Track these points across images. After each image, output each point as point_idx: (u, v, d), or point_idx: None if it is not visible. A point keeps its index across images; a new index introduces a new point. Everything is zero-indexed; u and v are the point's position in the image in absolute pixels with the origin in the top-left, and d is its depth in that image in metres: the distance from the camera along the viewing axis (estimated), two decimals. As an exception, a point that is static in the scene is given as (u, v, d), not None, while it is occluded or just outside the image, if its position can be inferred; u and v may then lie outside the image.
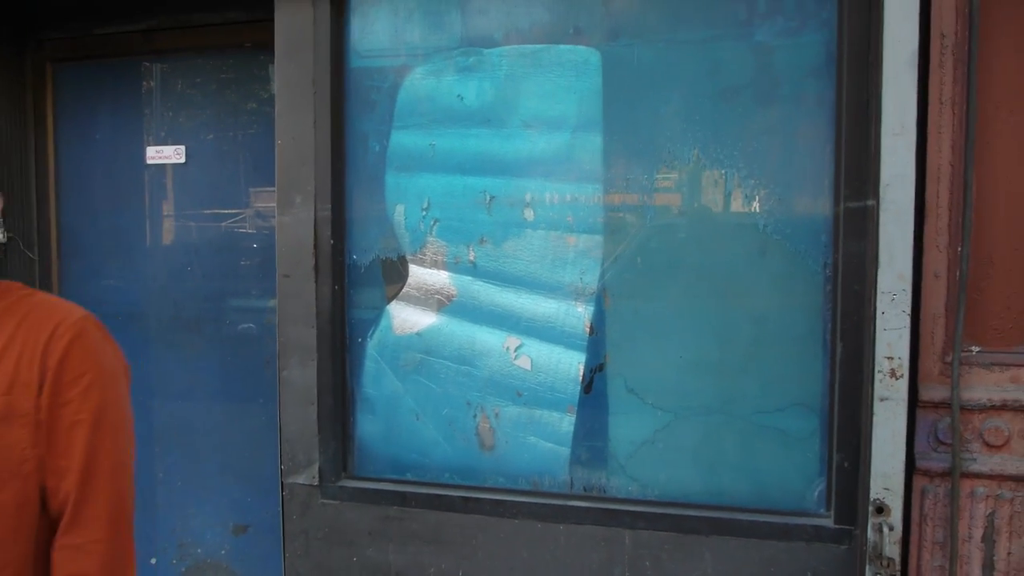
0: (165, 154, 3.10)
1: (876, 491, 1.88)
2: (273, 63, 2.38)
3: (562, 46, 2.25)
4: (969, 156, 1.86)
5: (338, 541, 2.40)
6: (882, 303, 1.85)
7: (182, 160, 3.10)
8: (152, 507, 3.26)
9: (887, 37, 1.82)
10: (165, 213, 3.18)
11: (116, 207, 3.21)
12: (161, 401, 3.21)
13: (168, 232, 3.20)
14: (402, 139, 2.38)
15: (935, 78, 1.89)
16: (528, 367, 2.33)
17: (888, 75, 1.82)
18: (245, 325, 3.11)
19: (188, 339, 3.16)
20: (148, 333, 3.20)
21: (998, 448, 1.90)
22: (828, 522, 2.06)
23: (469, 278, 2.36)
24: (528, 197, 2.29)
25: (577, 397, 2.31)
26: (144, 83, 3.15)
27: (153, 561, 3.28)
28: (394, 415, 2.45)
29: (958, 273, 1.89)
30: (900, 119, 1.82)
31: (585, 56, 2.24)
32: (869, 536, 1.88)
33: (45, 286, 3.26)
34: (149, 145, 3.13)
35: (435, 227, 2.38)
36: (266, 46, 2.46)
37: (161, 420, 3.21)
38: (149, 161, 3.13)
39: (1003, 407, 1.89)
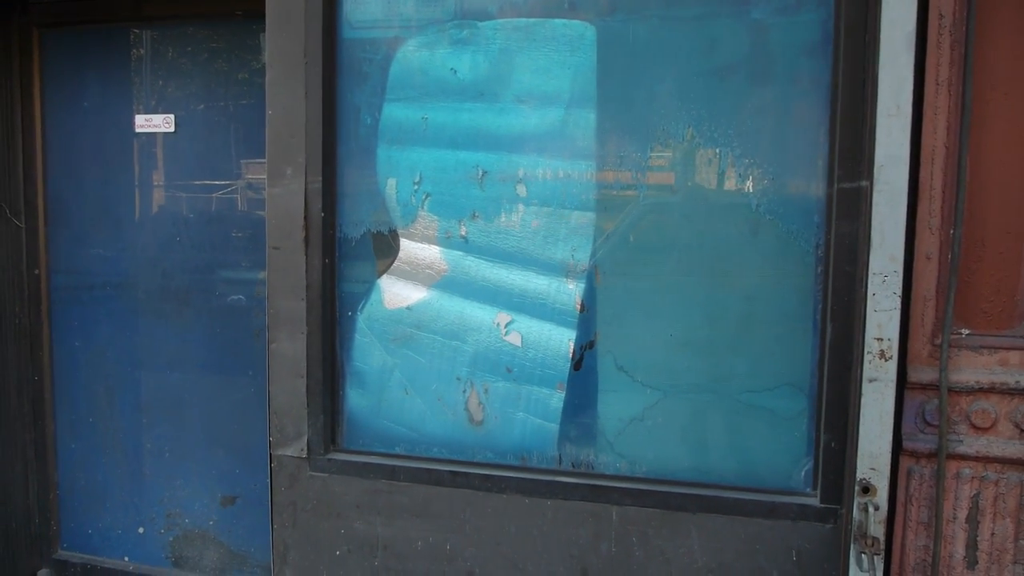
0: (154, 123, 3.07)
1: (862, 471, 1.89)
2: (265, 32, 2.35)
3: (557, 20, 2.22)
4: (964, 138, 1.86)
5: (326, 513, 2.41)
6: (873, 284, 1.85)
7: (171, 129, 3.06)
8: (140, 477, 3.26)
9: (885, 17, 1.80)
10: (154, 183, 3.16)
11: (104, 176, 3.18)
12: (149, 372, 3.20)
13: (157, 202, 3.17)
14: (394, 112, 2.36)
15: (932, 59, 1.87)
16: (518, 343, 2.33)
17: (885, 55, 1.80)
18: (235, 297, 3.09)
19: (177, 310, 3.14)
20: (136, 304, 3.19)
21: (984, 430, 1.92)
22: (814, 501, 2.08)
23: (460, 253, 2.35)
24: (521, 173, 2.28)
25: (567, 374, 2.31)
26: (133, 50, 3.11)
27: (141, 531, 3.29)
28: (383, 389, 2.45)
29: (950, 255, 1.89)
30: (896, 100, 1.80)
31: (580, 31, 2.21)
32: (855, 515, 1.89)
33: (32, 254, 3.24)
34: (138, 113, 3.10)
35: (427, 201, 2.36)
36: (258, 15, 2.42)
37: (149, 391, 3.21)
38: (138, 130, 3.10)
39: (991, 390, 1.90)
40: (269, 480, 2.45)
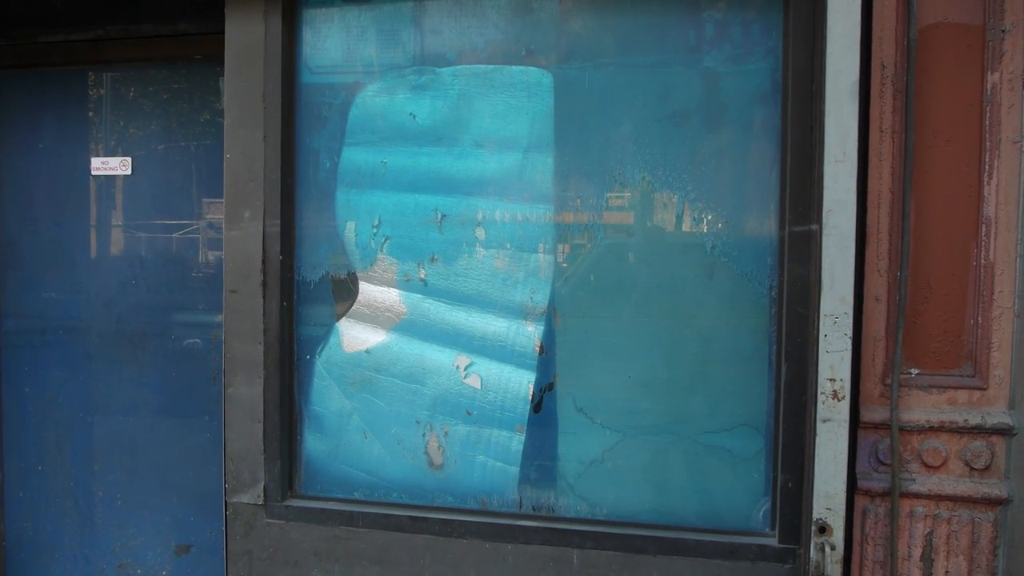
0: (110, 165, 3.04)
1: (819, 511, 1.91)
2: (224, 76, 2.36)
3: (514, 67, 2.26)
4: (907, 183, 1.91)
5: (283, 562, 2.36)
6: (825, 326, 1.89)
7: (128, 172, 3.04)
8: (91, 526, 3.17)
9: (829, 67, 1.86)
10: (111, 224, 3.11)
11: (59, 218, 3.13)
12: (102, 417, 3.13)
13: (114, 244, 3.13)
14: (353, 156, 2.37)
15: (875, 107, 1.94)
16: (478, 386, 2.32)
17: (830, 104, 1.86)
18: (191, 340, 3.05)
19: (132, 354, 3.09)
20: (89, 348, 3.12)
21: (936, 468, 1.95)
22: (773, 541, 2.09)
23: (419, 296, 2.35)
24: (479, 216, 2.30)
25: (527, 416, 2.30)
26: (92, 91, 3.09)
27: (91, 583, 3.18)
28: (342, 433, 2.42)
29: (897, 297, 1.94)
30: (842, 146, 1.86)
31: (537, 77, 2.25)
32: (812, 555, 1.90)
33: (-18, 298, 3.17)
34: (95, 156, 3.07)
35: (386, 244, 2.37)
36: (218, 59, 2.43)
37: (102, 437, 3.13)
38: (94, 172, 3.07)
39: (940, 428, 1.94)
40: (224, 528, 2.40)
